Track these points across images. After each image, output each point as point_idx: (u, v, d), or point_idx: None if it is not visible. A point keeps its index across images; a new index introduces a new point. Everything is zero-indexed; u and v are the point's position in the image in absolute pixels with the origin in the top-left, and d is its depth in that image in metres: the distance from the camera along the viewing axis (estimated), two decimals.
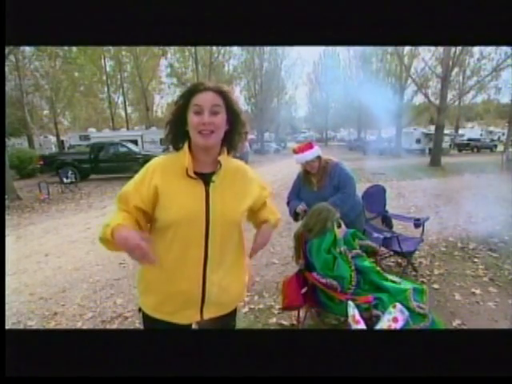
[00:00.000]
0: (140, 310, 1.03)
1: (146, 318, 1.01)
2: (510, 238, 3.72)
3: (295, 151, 2.23)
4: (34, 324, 2.29)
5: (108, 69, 23.63)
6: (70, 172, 10.27)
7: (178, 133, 0.93)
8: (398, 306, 1.50)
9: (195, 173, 0.90)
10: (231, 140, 0.96)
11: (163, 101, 31.92)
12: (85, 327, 2.22)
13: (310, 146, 2.19)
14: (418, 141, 21.58)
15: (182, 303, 0.95)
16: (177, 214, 0.88)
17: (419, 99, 21.56)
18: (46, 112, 19.83)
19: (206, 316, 0.98)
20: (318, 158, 2.20)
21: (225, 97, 0.90)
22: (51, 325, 2.27)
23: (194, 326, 1.09)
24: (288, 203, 2.36)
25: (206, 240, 0.91)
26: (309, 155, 2.16)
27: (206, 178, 0.91)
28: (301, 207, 2.19)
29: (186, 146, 0.93)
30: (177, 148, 0.95)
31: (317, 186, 2.23)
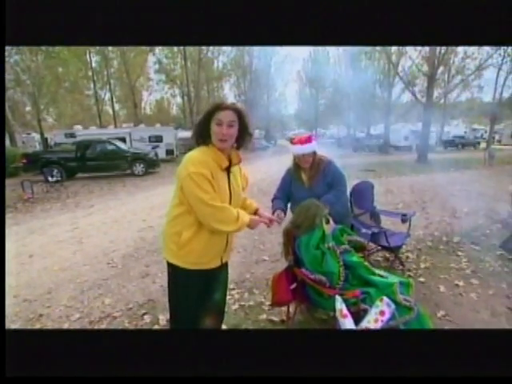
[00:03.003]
0: (173, 267, 1.37)
1: (181, 272, 1.35)
2: (490, 231, 3.86)
3: (293, 142, 2.15)
4: (17, 327, 2.22)
5: (94, 64, 22.99)
6: (55, 171, 9.98)
7: (201, 135, 1.33)
8: (385, 299, 1.53)
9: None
10: (240, 142, 1.42)
11: (151, 97, 31.44)
12: (71, 328, 2.17)
13: (309, 139, 2.13)
14: (406, 138, 22.00)
15: (215, 254, 1.40)
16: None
17: (407, 97, 22.02)
18: (28, 108, 19.16)
19: (223, 261, 1.47)
20: (314, 153, 2.17)
21: (239, 114, 1.30)
22: (36, 327, 2.21)
23: None
24: (273, 200, 2.24)
25: None
26: (307, 148, 2.11)
27: (228, 170, 1.37)
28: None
29: (216, 149, 1.32)
30: (198, 144, 1.33)
31: (308, 182, 2.20)
